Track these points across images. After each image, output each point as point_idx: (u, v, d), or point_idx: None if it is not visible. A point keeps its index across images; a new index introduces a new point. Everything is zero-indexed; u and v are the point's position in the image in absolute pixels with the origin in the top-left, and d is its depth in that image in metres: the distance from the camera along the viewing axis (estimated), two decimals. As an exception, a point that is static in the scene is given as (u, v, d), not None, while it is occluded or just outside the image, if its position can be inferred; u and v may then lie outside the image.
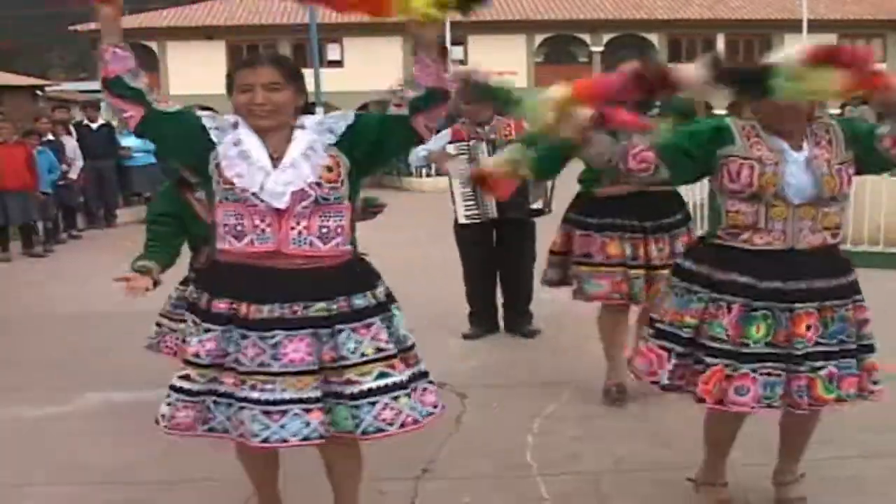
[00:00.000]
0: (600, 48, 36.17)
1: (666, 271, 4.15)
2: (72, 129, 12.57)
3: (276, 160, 2.60)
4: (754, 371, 2.84)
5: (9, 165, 9.99)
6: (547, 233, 5.86)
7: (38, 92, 35.14)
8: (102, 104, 13.39)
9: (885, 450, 3.73)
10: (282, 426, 2.55)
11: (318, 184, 2.58)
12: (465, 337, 5.78)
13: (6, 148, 10.13)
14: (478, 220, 5.60)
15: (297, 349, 2.58)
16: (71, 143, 12.00)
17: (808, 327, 2.85)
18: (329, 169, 2.60)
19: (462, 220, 5.64)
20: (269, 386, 2.56)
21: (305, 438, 2.57)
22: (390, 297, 2.78)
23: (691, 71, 2.78)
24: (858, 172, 2.96)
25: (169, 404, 2.68)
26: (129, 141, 13.67)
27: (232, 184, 2.58)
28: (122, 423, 4.22)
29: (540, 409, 4.36)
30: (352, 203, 2.68)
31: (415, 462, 3.65)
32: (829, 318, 2.88)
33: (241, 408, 2.58)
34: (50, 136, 11.65)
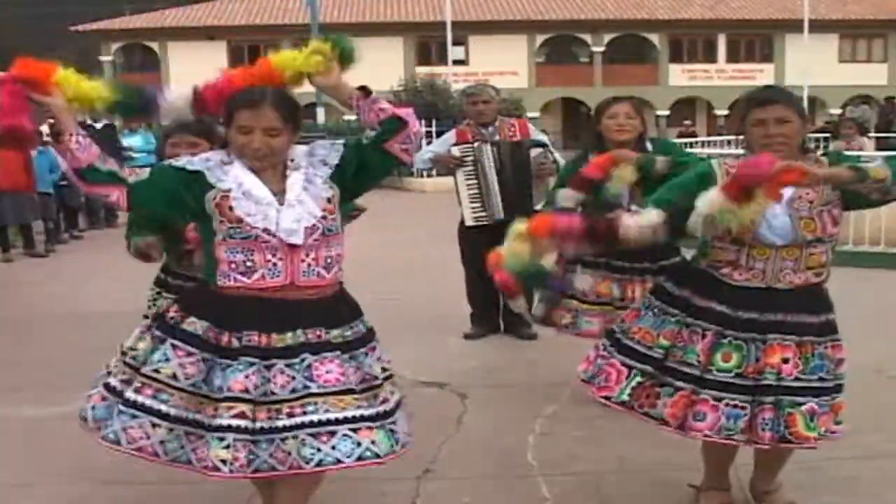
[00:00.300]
0: (601, 48, 36.20)
1: None
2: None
3: (276, 195, 2.63)
4: (716, 399, 2.83)
5: (5, 166, 9.93)
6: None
7: (40, 92, 34.99)
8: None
9: (881, 450, 3.72)
10: (333, 447, 2.52)
11: (323, 217, 2.65)
12: (467, 337, 5.78)
13: (1, 149, 10.08)
14: (485, 223, 5.59)
15: (329, 370, 2.60)
16: None
17: (786, 360, 2.83)
18: (329, 200, 2.67)
19: (469, 223, 5.63)
20: (310, 408, 2.54)
21: (360, 458, 2.54)
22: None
23: (634, 227, 2.83)
24: (846, 208, 2.94)
25: (133, 419, 2.62)
26: (130, 141, 13.69)
27: (240, 222, 2.59)
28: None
29: (541, 409, 4.36)
30: (343, 232, 2.76)
31: (416, 462, 3.64)
32: (809, 353, 2.87)
33: (284, 438, 2.53)
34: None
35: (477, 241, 5.71)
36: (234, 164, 2.65)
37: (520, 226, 2.89)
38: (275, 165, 2.66)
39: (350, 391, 2.59)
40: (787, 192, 2.80)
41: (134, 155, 13.37)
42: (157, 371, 2.64)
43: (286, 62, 2.74)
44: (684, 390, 2.88)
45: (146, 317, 3.30)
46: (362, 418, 2.57)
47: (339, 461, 2.52)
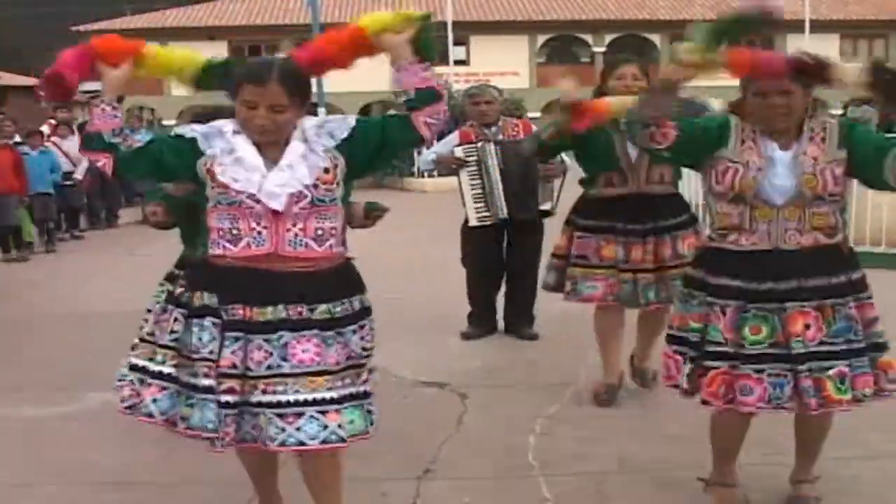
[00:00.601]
0: (602, 49, 36.16)
1: (652, 275, 4.19)
2: (75, 129, 12.58)
3: (273, 163, 2.60)
4: (758, 372, 2.84)
5: None
6: (554, 235, 5.88)
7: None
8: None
9: (882, 450, 3.72)
10: (297, 429, 2.52)
11: (315, 185, 2.59)
12: (465, 336, 5.77)
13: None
14: (489, 223, 5.59)
15: (305, 349, 2.56)
16: (77, 144, 12.00)
17: (808, 326, 2.84)
18: (326, 171, 2.61)
19: (473, 223, 5.63)
20: (280, 388, 2.54)
21: (324, 441, 2.53)
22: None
23: (850, 71, 2.80)
24: (852, 176, 2.93)
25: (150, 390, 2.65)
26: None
27: (226, 187, 2.58)
28: (123, 424, 4.20)
29: (541, 409, 4.35)
30: (343, 205, 2.70)
31: (416, 462, 3.64)
32: (830, 316, 2.87)
33: (256, 413, 2.56)
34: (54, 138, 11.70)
35: (480, 241, 5.72)
36: (236, 135, 2.63)
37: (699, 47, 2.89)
38: (278, 140, 2.63)
39: (325, 372, 2.56)
40: (793, 149, 2.86)
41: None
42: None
43: (374, 19, 2.75)
44: (718, 368, 2.89)
45: (149, 310, 3.27)
46: (332, 400, 2.55)
47: (301, 443, 2.52)
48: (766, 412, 2.90)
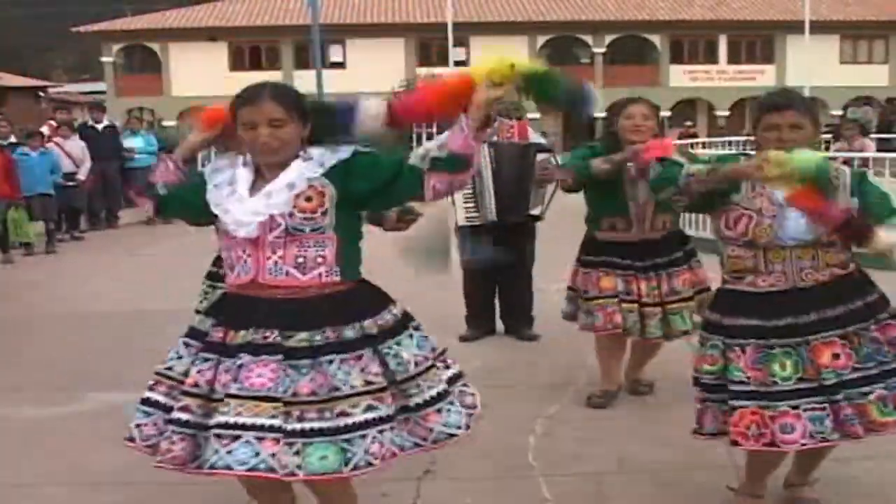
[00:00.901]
0: (602, 49, 36.20)
1: (659, 308, 4.25)
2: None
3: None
4: (794, 408, 2.82)
5: None
6: (544, 238, 5.88)
7: (41, 93, 35.15)
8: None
9: (883, 451, 3.70)
10: (228, 452, 2.44)
11: (291, 214, 2.54)
12: (462, 339, 5.76)
13: None
14: (477, 223, 5.58)
15: (260, 374, 2.50)
16: (79, 144, 12.02)
17: (836, 356, 2.84)
18: (308, 199, 2.54)
19: (461, 222, 5.62)
20: (224, 409, 2.49)
21: (251, 469, 2.44)
22: (396, 325, 2.68)
23: (884, 240, 2.83)
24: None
25: (162, 433, 2.61)
26: (132, 142, 13.70)
27: (218, 217, 2.64)
28: (123, 424, 4.20)
29: (541, 409, 4.35)
30: (338, 234, 2.59)
31: (416, 463, 3.63)
32: (857, 343, 2.88)
33: (206, 437, 2.51)
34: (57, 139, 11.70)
35: (475, 242, 5.71)
36: (241, 165, 2.65)
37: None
38: (288, 161, 2.60)
39: (273, 399, 2.47)
40: None
41: (135, 156, 13.37)
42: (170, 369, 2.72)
43: (487, 68, 2.58)
44: (745, 407, 2.86)
45: (198, 311, 3.29)
46: (272, 428, 2.45)
47: (229, 467, 2.44)
48: (813, 448, 2.89)
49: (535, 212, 5.60)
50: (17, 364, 5.55)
